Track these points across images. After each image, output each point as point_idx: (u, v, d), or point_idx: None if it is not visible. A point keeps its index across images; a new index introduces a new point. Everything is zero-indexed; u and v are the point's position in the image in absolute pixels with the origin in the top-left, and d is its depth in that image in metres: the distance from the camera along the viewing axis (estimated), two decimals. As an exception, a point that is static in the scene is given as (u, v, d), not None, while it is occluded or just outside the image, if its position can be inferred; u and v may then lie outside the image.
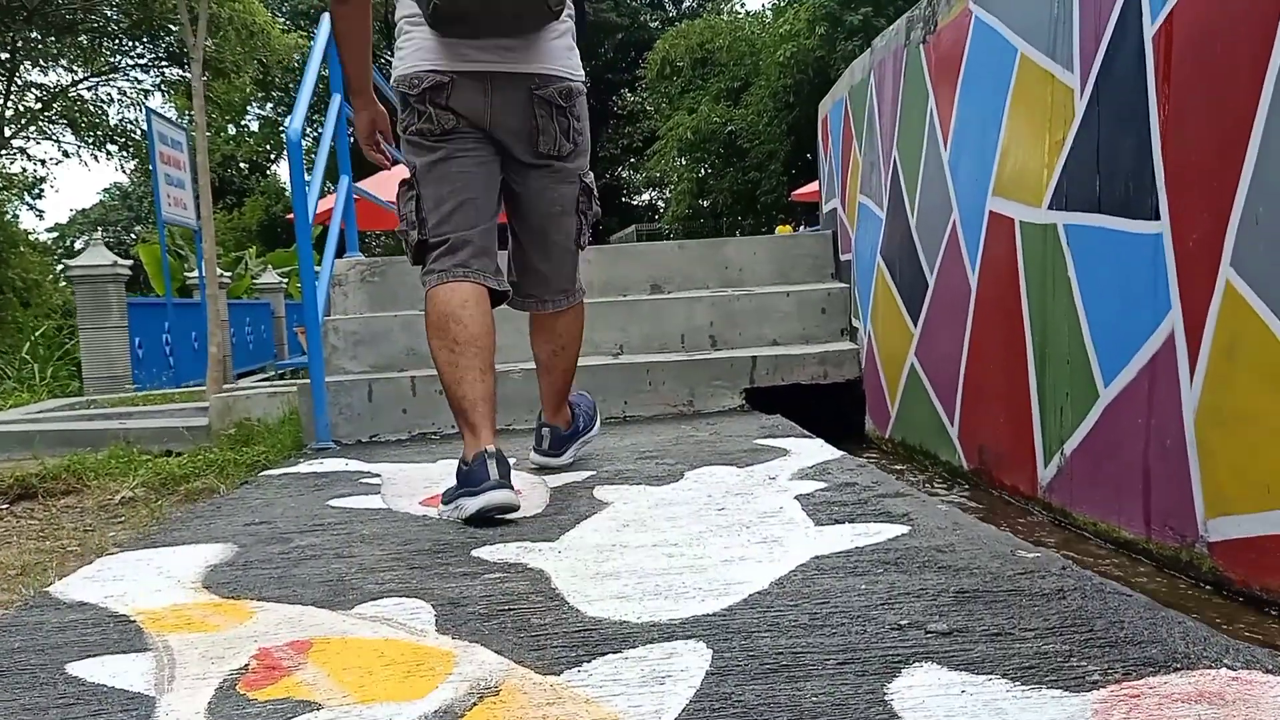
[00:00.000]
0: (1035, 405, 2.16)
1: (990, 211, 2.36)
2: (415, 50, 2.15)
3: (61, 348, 9.16)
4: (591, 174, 2.32)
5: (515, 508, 1.96)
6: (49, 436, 4.25)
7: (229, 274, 10.52)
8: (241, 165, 53.43)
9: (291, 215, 4.53)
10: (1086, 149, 1.95)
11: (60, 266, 39.93)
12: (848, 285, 3.65)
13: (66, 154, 19.10)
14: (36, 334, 9.32)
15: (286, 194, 58.57)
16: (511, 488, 1.96)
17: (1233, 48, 1.53)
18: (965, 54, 2.51)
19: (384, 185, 9.69)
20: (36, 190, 32.44)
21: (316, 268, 3.40)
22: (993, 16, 2.36)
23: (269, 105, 45.06)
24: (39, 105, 15.04)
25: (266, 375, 11.74)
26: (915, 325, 2.86)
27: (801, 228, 25.24)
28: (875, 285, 3.23)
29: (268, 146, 53.37)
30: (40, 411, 5.47)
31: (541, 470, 2.49)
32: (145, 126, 9.85)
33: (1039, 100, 2.14)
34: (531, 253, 2.35)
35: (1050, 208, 2.08)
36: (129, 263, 7.25)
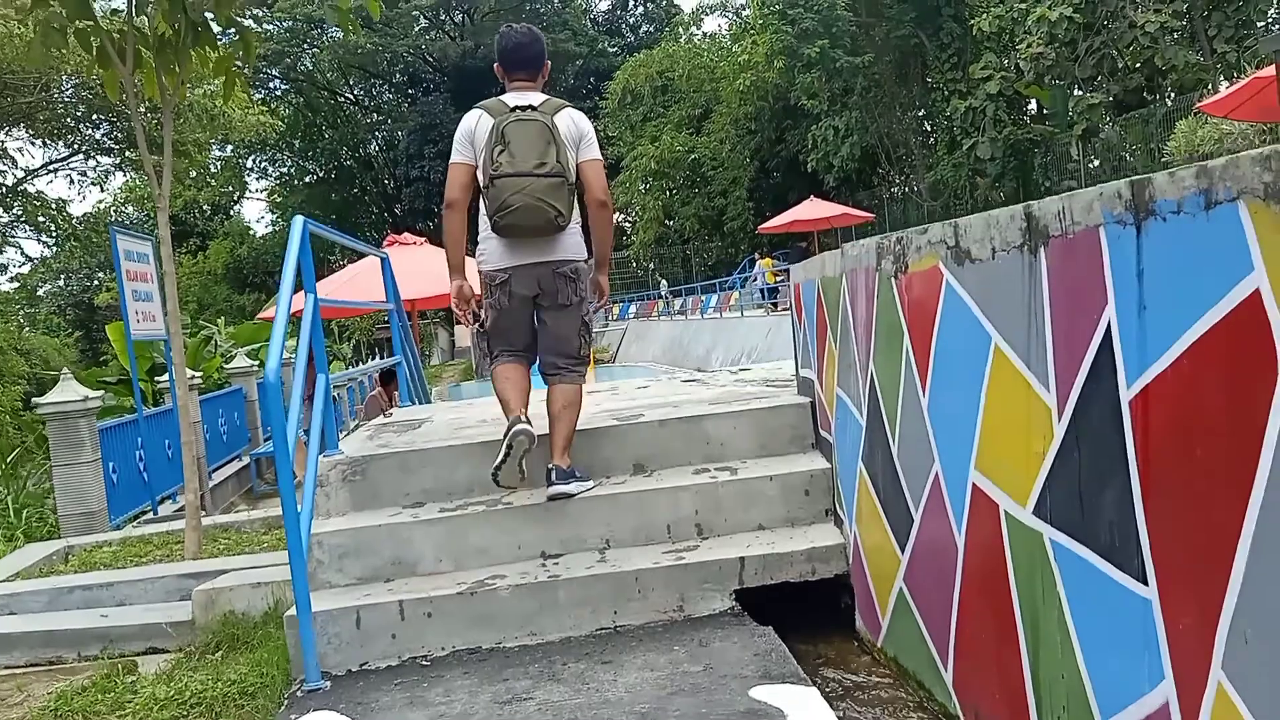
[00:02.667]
0: (1032, 705, 2.17)
1: (974, 485, 2.38)
2: (491, 254, 3.73)
3: (36, 466, 9.03)
4: (591, 315, 3.91)
5: (533, 437, 3.53)
6: (32, 638, 4.19)
7: (198, 373, 10.42)
8: (204, 208, 53.15)
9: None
10: (1068, 477, 1.97)
11: (25, 329, 39.42)
12: (829, 466, 3.67)
13: (29, 257, 18.72)
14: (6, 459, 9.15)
15: (251, 234, 58.09)
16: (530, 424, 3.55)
17: (1214, 454, 1.55)
18: (938, 314, 2.53)
19: (347, 290, 9.62)
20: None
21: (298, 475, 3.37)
22: (964, 291, 2.38)
23: (228, 147, 44.80)
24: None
25: (243, 465, 11.65)
26: (902, 553, 2.87)
27: (780, 259, 25.43)
28: (859, 490, 3.24)
29: (230, 188, 53.11)
30: (17, 576, 5.38)
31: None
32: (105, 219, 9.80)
33: (1017, 401, 2.16)
34: (547, 354, 3.84)
35: (1035, 514, 2.10)
36: (98, 394, 7.17)
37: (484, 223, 3.67)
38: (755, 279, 26.54)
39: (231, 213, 59.01)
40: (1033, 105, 25.51)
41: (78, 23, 5.67)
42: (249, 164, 52.41)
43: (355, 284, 10.49)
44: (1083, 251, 1.88)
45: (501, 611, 3.28)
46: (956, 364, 2.46)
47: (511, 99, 3.72)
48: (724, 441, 3.95)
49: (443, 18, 50.25)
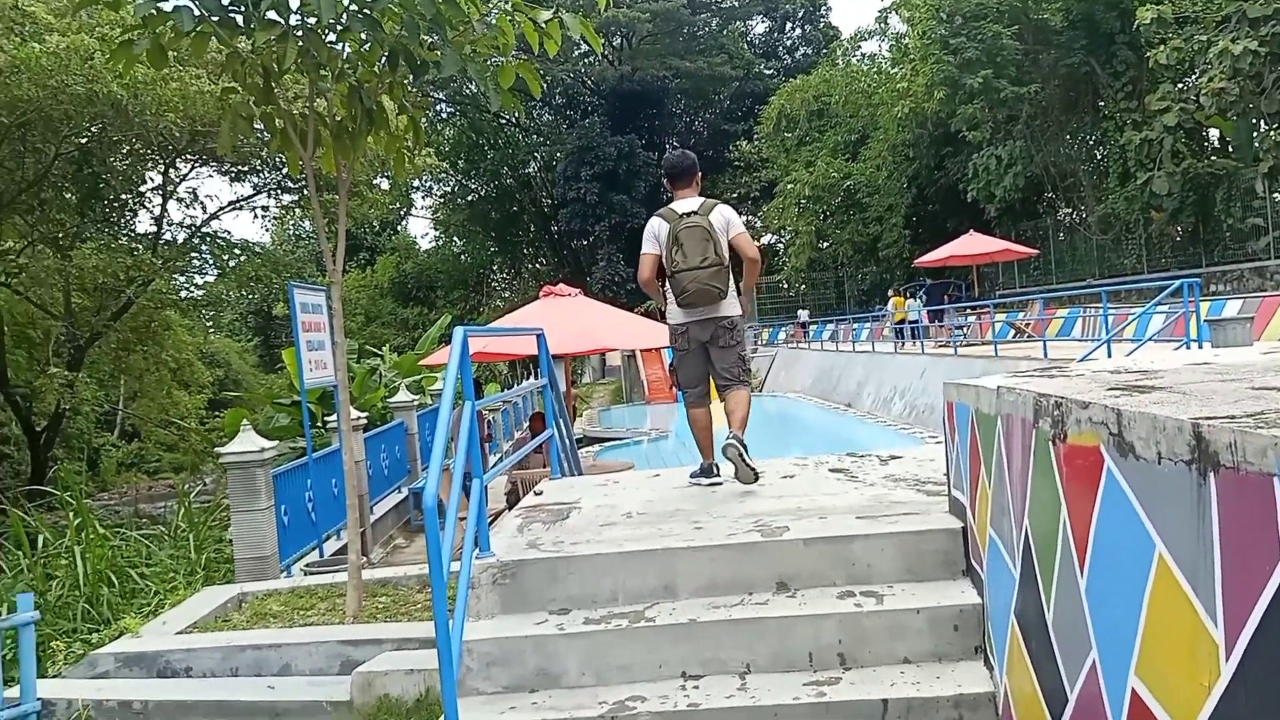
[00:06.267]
0: None
1: (1134, 690, 2.28)
2: (676, 314, 5.43)
3: (216, 512, 9.70)
4: (746, 351, 5.64)
5: (721, 482, 5.39)
6: (206, 706, 4.51)
7: (363, 415, 10.96)
8: (374, 224, 55.71)
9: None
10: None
11: (211, 332, 42.20)
12: (980, 601, 3.57)
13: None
14: (188, 503, 9.81)
15: (416, 249, 60.46)
16: (719, 476, 5.45)
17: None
18: (1099, 498, 2.44)
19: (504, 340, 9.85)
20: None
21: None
22: (1126, 484, 2.29)
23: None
24: (187, 234, 16.08)
25: (402, 498, 12.18)
26: (1054, 727, 2.77)
27: (917, 300, 24.80)
28: (1010, 642, 3.15)
29: (398, 205, 55.45)
30: (194, 626, 5.79)
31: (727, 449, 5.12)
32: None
33: (1182, 623, 2.06)
34: (720, 379, 5.48)
35: (1199, 749, 2.00)
36: (273, 445, 7.64)
37: (670, 296, 5.40)
38: (887, 317, 25.87)
39: (399, 228, 61.76)
40: (1213, 134, 24.10)
41: (264, 107, 6.09)
42: (415, 182, 54.70)
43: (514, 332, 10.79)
44: (1256, 495, 1.79)
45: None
46: (1117, 557, 2.36)
47: (679, 206, 5.37)
48: (870, 563, 3.89)
49: (602, 43, 51.28)
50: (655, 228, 5.37)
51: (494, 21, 5.70)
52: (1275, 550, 1.72)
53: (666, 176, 5.55)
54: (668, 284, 5.35)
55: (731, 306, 5.39)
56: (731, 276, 5.36)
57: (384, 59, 5.82)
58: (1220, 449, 1.91)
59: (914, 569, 3.88)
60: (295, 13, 5.45)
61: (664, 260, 5.29)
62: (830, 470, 5.57)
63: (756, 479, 5.13)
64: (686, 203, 5.34)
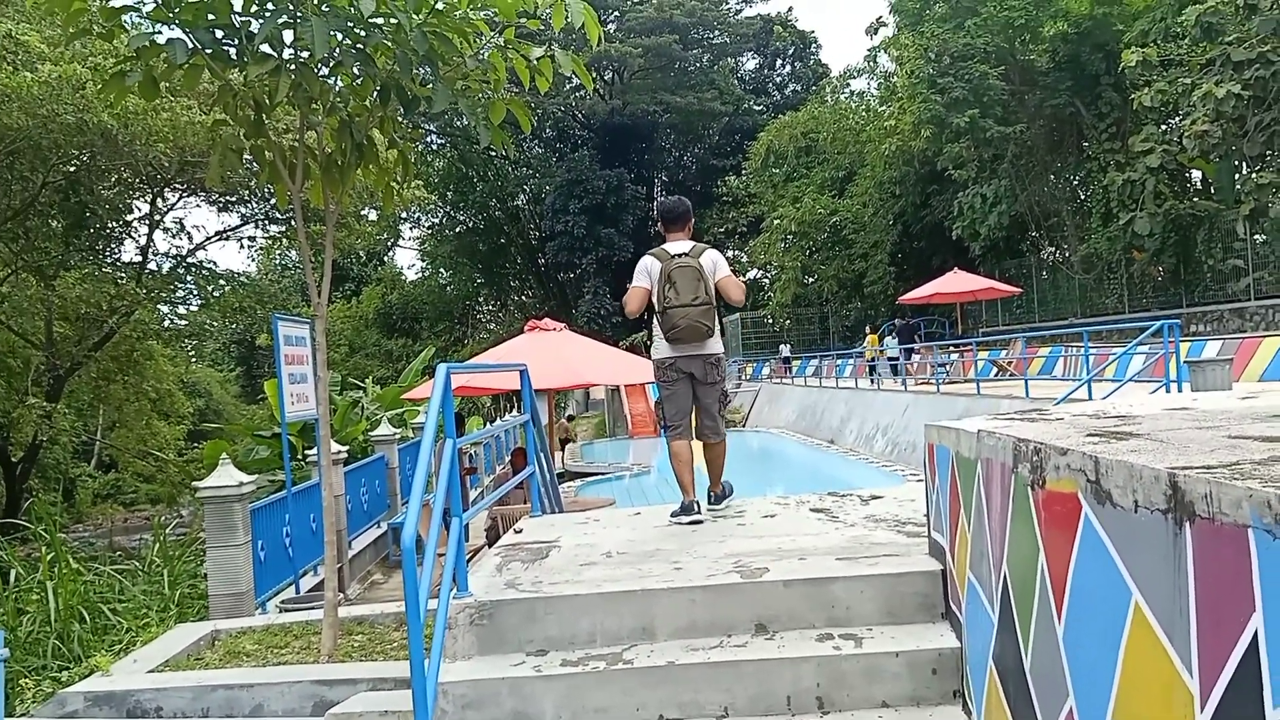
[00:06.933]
0: None
1: (1109, 740, 2.26)
2: (663, 350, 5.65)
3: (191, 547, 9.60)
4: (729, 386, 6.05)
5: (702, 521, 5.42)
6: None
7: (344, 448, 10.89)
8: (360, 254, 55.69)
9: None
10: (1212, 778, 1.85)
11: (194, 361, 41.98)
12: (959, 645, 3.55)
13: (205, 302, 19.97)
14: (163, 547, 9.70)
15: (402, 280, 60.41)
16: (700, 514, 5.50)
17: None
18: (1076, 545, 2.43)
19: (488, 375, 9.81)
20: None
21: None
22: (1104, 532, 2.29)
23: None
24: (172, 264, 16.04)
25: (381, 533, 12.08)
26: (1032, 775, 2.74)
27: (888, 338, 25.03)
28: (989, 687, 3.12)
29: (385, 236, 55.45)
30: (167, 665, 5.70)
31: (714, 509, 5.73)
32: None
33: (1158, 671, 2.04)
34: (703, 418, 5.73)
35: (1175, 801, 1.98)
36: (252, 479, 7.57)
37: (658, 331, 5.65)
38: (863, 354, 26.55)
39: (385, 259, 61.71)
40: (1196, 176, 24.39)
41: (254, 140, 6.08)
42: (403, 213, 54.74)
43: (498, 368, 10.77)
44: (1230, 546, 1.78)
45: None
46: (1094, 604, 2.35)
47: (671, 248, 5.69)
48: (850, 605, 3.87)
49: (593, 77, 51.65)
50: (648, 265, 5.66)
51: (486, 57, 5.73)
52: (1250, 601, 1.72)
53: (661, 219, 5.89)
54: (655, 320, 5.62)
55: (716, 344, 5.71)
56: (717, 316, 5.70)
57: (376, 93, 5.83)
58: (1196, 499, 1.91)
59: (893, 611, 3.86)
60: (289, 46, 5.47)
61: (655, 297, 5.57)
62: (811, 510, 5.55)
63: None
64: (679, 244, 5.68)
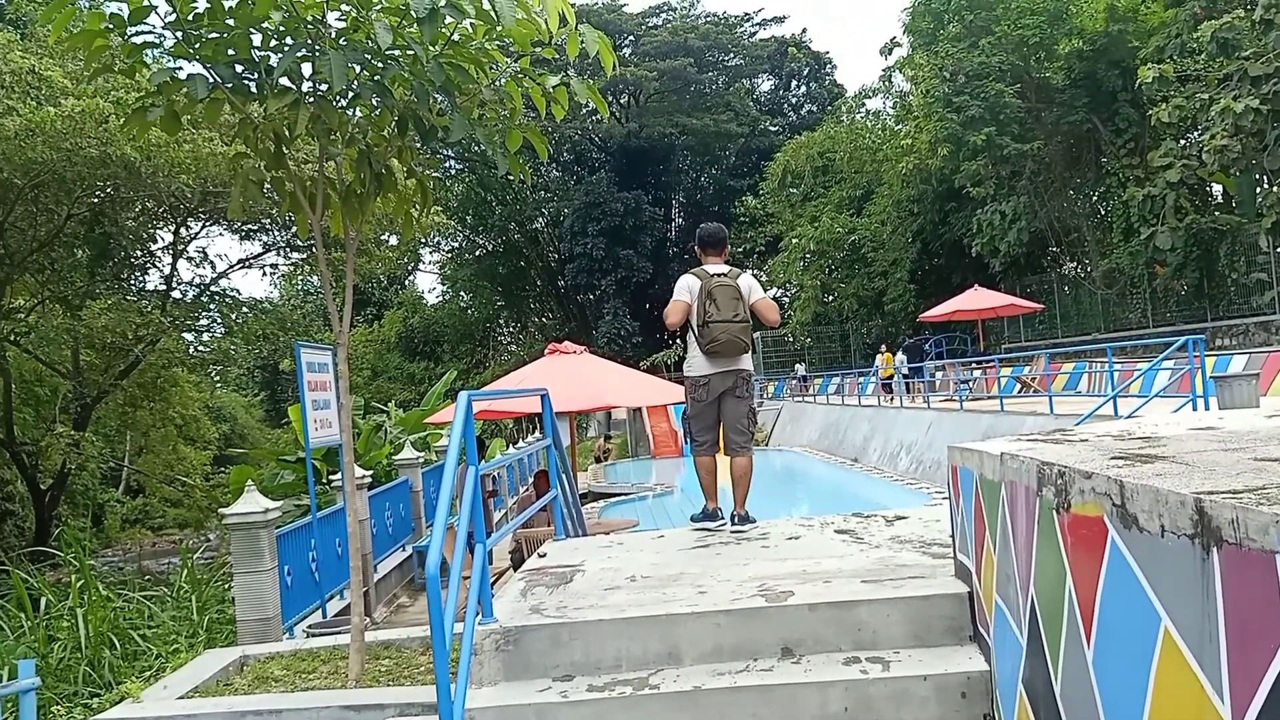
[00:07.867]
0: None
1: (1141, 766, 2.25)
2: (698, 365, 5.93)
3: (219, 572, 9.67)
4: (756, 403, 6.65)
5: (725, 525, 5.92)
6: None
7: (368, 473, 10.94)
8: (381, 279, 56.08)
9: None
10: (1246, 804, 1.84)
11: (219, 386, 42.30)
12: (987, 668, 3.54)
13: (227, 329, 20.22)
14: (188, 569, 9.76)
15: (422, 304, 60.76)
16: (723, 519, 5.98)
17: None
18: (1103, 570, 2.42)
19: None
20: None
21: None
22: (1131, 556, 2.28)
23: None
24: (196, 292, 16.22)
25: (406, 556, 12.11)
26: (1064, 801, 2.73)
27: (900, 355, 25.04)
28: (1018, 711, 3.11)
29: (405, 260, 55.84)
30: (196, 691, 5.74)
31: (737, 531, 5.78)
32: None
33: (1189, 696, 2.04)
34: (731, 432, 6.00)
35: (1209, 828, 1.97)
36: (277, 505, 7.63)
37: (694, 346, 5.96)
38: (875, 373, 26.74)
39: (406, 283, 62.08)
40: (1217, 189, 24.26)
41: (275, 172, 6.17)
42: (422, 239, 55.06)
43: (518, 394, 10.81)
44: (1258, 571, 1.78)
45: None
46: (1123, 629, 2.35)
47: (710, 269, 6.02)
48: (876, 629, 3.86)
49: (610, 100, 51.93)
50: (689, 282, 6.01)
51: (502, 85, 5.80)
52: (1278, 625, 1.71)
53: (700, 243, 6.25)
54: (693, 335, 5.93)
55: (749, 361, 6.06)
56: (750, 335, 6.05)
57: (394, 124, 5.91)
58: (1223, 524, 1.91)
59: (920, 635, 3.85)
60: (307, 80, 5.55)
61: (695, 312, 5.88)
62: (836, 531, 5.54)
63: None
64: (717, 267, 6.04)
